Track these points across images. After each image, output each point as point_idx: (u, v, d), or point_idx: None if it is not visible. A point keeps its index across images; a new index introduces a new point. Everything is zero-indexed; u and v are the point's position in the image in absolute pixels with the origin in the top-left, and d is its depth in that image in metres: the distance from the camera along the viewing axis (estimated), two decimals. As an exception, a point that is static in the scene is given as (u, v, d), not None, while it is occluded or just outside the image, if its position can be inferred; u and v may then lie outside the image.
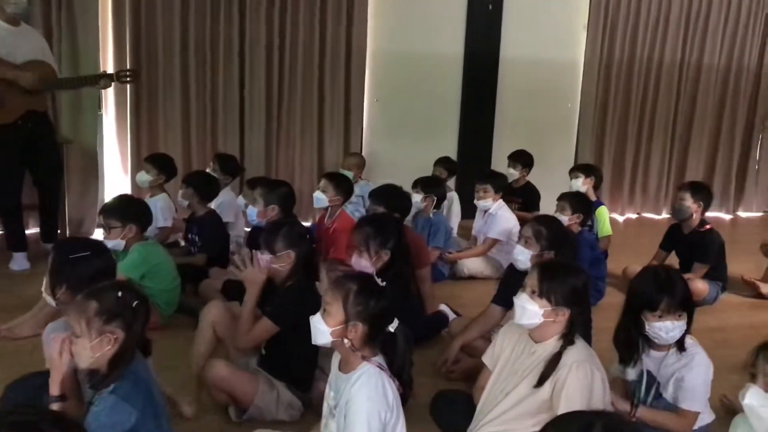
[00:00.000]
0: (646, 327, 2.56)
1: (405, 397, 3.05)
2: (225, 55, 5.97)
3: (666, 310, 2.51)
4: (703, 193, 4.78)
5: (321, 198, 4.55)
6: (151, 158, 5.14)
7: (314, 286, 2.97)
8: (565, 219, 4.55)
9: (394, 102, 6.70)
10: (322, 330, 2.22)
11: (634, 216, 7.62)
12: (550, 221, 3.47)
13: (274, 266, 2.92)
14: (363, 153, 6.51)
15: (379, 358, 2.22)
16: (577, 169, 5.70)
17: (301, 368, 2.95)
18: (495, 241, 5.07)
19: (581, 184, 5.44)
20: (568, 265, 2.60)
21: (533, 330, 2.44)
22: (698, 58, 7.43)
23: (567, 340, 2.38)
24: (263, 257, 2.91)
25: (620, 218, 7.51)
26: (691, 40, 7.36)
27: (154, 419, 2.12)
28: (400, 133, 6.69)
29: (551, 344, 2.41)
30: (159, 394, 2.23)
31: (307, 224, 6.02)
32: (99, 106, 5.70)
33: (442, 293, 4.54)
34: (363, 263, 3.14)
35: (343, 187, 4.57)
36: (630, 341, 2.67)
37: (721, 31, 7.43)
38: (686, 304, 2.56)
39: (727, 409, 3.06)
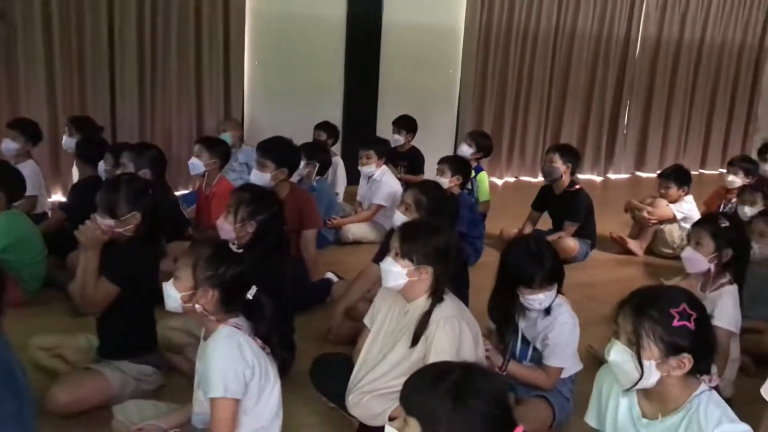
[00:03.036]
0: (521, 298, 2.66)
1: (288, 364, 3.08)
2: (91, 12, 5.59)
3: (539, 285, 2.61)
4: (570, 154, 5.00)
5: (197, 164, 4.39)
6: (15, 124, 4.76)
7: (157, 242, 2.84)
8: (445, 182, 4.64)
9: (276, 65, 6.56)
10: (172, 295, 2.19)
11: (512, 179, 7.89)
12: (431, 189, 3.48)
13: (119, 230, 2.75)
14: (245, 117, 6.34)
15: (239, 320, 2.20)
16: (470, 136, 5.80)
17: (139, 337, 2.81)
18: (379, 207, 5.11)
19: (466, 151, 5.55)
20: (428, 225, 2.64)
21: (403, 290, 2.48)
22: (572, 25, 7.72)
23: (435, 297, 2.43)
24: (105, 222, 2.71)
25: (499, 182, 7.76)
26: (566, 7, 7.63)
27: (16, 400, 1.98)
28: (283, 97, 6.57)
29: (421, 303, 2.46)
30: (21, 373, 2.09)
31: (186, 192, 5.86)
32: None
33: (328, 259, 4.54)
34: (226, 227, 3.04)
35: (219, 150, 4.42)
36: (505, 313, 2.76)
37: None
38: (557, 275, 2.66)
39: (593, 359, 3.25)
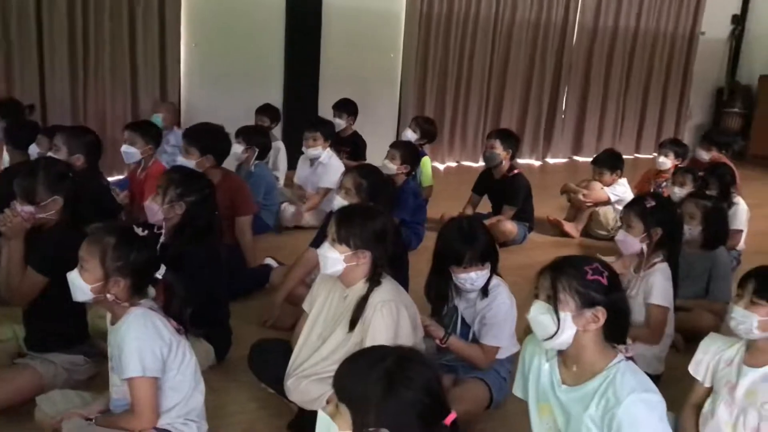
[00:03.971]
0: (454, 278, 2.68)
1: (224, 350, 3.04)
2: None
3: (470, 263, 2.62)
4: (510, 140, 5.06)
5: (131, 152, 4.24)
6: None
7: (84, 228, 2.75)
8: (393, 168, 4.63)
9: (214, 47, 6.41)
10: (80, 287, 2.14)
11: (454, 164, 7.94)
12: (371, 173, 3.47)
13: (40, 216, 2.64)
14: (181, 100, 6.19)
15: (148, 301, 2.18)
16: (414, 122, 5.79)
17: (68, 326, 2.72)
18: (327, 191, 5.01)
19: (410, 137, 5.54)
20: (365, 209, 2.64)
21: (342, 276, 2.47)
22: (511, 12, 7.77)
23: (373, 281, 2.44)
24: (25, 209, 2.60)
25: (441, 166, 7.79)
26: (505, -5, 7.69)
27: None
28: (222, 80, 6.42)
29: (359, 288, 2.46)
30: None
31: (120, 177, 5.69)
32: None
33: (267, 244, 4.49)
34: (154, 207, 2.97)
35: (151, 134, 4.29)
36: (440, 293, 2.78)
37: (531, -13, 7.84)
38: (489, 254, 2.69)
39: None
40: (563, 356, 1.99)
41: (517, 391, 2.17)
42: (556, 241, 5.32)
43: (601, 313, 1.86)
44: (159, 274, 2.18)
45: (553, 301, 1.89)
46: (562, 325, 1.87)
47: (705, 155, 5.78)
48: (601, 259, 2.03)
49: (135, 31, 5.93)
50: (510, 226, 4.94)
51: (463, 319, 2.79)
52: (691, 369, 2.35)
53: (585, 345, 1.90)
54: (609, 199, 5.26)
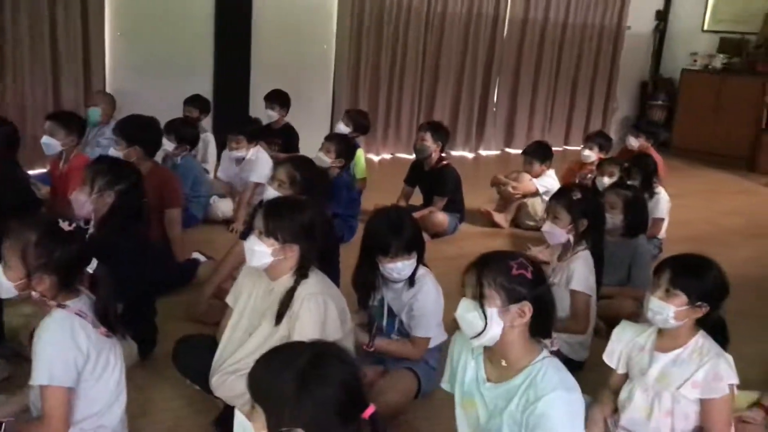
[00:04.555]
0: (381, 268, 2.69)
1: (149, 347, 2.97)
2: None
3: (396, 253, 2.63)
4: (441, 132, 5.11)
5: (51, 143, 4.08)
6: None
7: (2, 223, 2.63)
8: (327, 161, 4.60)
9: (141, 37, 6.23)
10: (4, 284, 2.05)
11: (388, 156, 7.96)
12: (305, 165, 3.43)
13: None
14: (108, 92, 5.98)
15: (78, 302, 2.08)
16: (347, 115, 5.76)
17: None
18: (257, 185, 4.93)
19: (343, 130, 5.51)
20: (293, 202, 2.61)
21: (268, 269, 2.43)
22: (443, 4, 7.82)
23: (300, 274, 2.41)
24: None
25: (375, 158, 7.80)
26: (437, -14, 7.73)
27: None
28: (150, 70, 6.24)
29: (286, 281, 2.43)
30: None
31: (43, 170, 5.47)
32: None
33: (196, 238, 4.41)
34: (82, 198, 2.89)
35: (74, 125, 4.15)
36: (367, 283, 2.79)
37: (462, -20, 7.90)
38: (415, 244, 2.69)
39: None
40: (489, 353, 1.98)
41: (445, 384, 2.17)
42: (486, 231, 5.39)
43: (527, 308, 1.86)
44: (90, 269, 2.09)
45: (479, 297, 1.87)
46: (489, 322, 1.86)
47: (634, 142, 5.94)
48: (525, 253, 2.07)
49: (56, 20, 5.71)
50: (441, 217, 4.99)
51: (389, 309, 2.80)
52: (605, 357, 2.43)
53: (511, 341, 1.90)
54: (537, 190, 5.37)
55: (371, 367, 2.74)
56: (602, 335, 3.40)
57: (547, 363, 1.88)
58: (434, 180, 5.07)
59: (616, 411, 2.37)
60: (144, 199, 3.01)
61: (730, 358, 2.21)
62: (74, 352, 1.99)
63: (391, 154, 7.98)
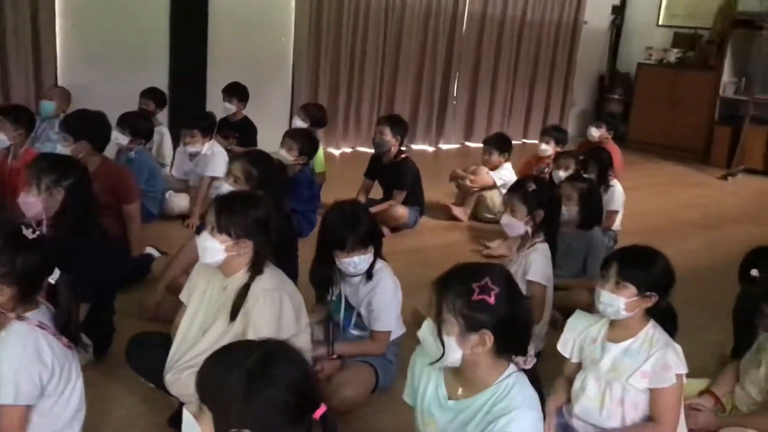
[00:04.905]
0: (338, 262, 2.67)
1: (104, 347, 2.91)
2: None
3: (352, 248, 2.62)
4: (399, 126, 5.11)
5: None
6: None
7: None
8: (289, 159, 4.58)
9: (93, 29, 6.09)
10: None
11: (349, 150, 7.94)
12: (261, 160, 3.39)
13: None
14: (58, 85, 5.83)
15: (38, 313, 2.00)
16: (303, 109, 5.69)
17: None
18: (214, 179, 4.86)
19: (300, 125, 5.47)
20: (246, 196, 2.58)
21: (222, 265, 2.40)
22: (402, 0, 7.81)
23: (255, 270, 2.38)
24: None
25: (336, 152, 7.77)
26: (396, -19, 7.72)
27: None
28: (104, 63, 6.11)
29: (240, 277, 2.39)
30: None
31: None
32: None
33: (151, 233, 4.33)
34: (30, 200, 2.81)
35: (23, 119, 4.05)
36: (323, 278, 2.77)
37: (421, -26, 7.90)
38: (372, 238, 2.68)
39: (417, 322, 3.34)
40: (453, 370, 1.86)
41: (406, 398, 2.06)
42: (446, 224, 5.42)
43: (488, 337, 1.72)
44: (52, 279, 2.00)
45: (437, 324, 1.76)
46: (447, 350, 1.75)
47: (595, 132, 5.98)
48: (497, 266, 1.88)
49: (4, 11, 5.55)
50: (401, 211, 5.00)
51: (347, 303, 2.79)
52: (559, 347, 2.45)
53: (474, 362, 1.77)
54: (495, 183, 5.41)
55: (329, 361, 2.73)
56: (558, 326, 3.45)
57: (513, 380, 1.78)
58: (393, 174, 5.07)
59: (569, 400, 2.39)
60: (92, 194, 2.93)
61: (678, 348, 2.24)
62: (39, 367, 1.90)
63: (352, 147, 7.96)
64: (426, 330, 1.81)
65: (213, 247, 2.34)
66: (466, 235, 5.20)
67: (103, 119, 4.00)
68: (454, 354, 1.76)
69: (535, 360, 1.81)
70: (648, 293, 2.22)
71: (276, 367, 1.40)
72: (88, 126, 3.85)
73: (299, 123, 5.50)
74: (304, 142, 4.68)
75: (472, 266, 1.84)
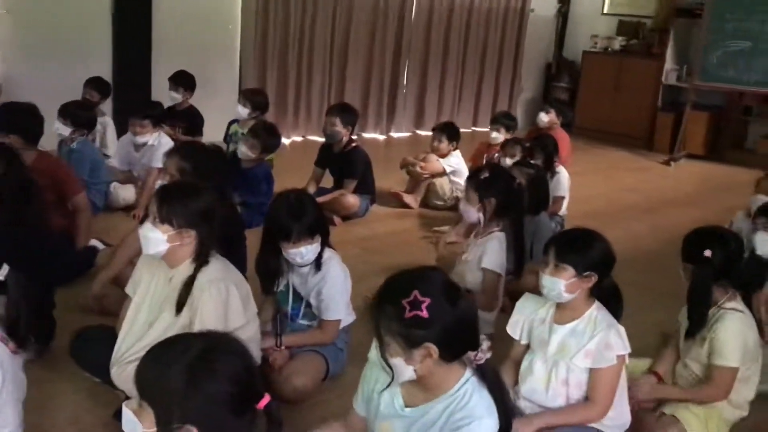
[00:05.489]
0: (285, 253, 2.66)
1: (46, 342, 2.84)
2: None
3: (298, 238, 2.60)
4: (350, 115, 5.09)
5: None
6: None
7: None
8: (252, 155, 4.60)
9: (30, 15, 5.88)
10: None
11: (299, 139, 7.88)
12: (195, 153, 3.30)
13: None
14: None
15: None
16: (242, 95, 5.57)
17: None
18: (161, 170, 4.78)
19: (242, 112, 5.38)
20: (188, 186, 2.53)
21: (166, 256, 2.37)
22: (351, -14, 7.79)
23: (200, 261, 2.35)
24: None
25: (287, 141, 7.69)
26: (344, -32, 7.67)
27: None
28: (42, 52, 5.91)
29: (185, 268, 2.37)
30: None
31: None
32: None
33: (96, 225, 4.23)
34: None
35: None
36: (270, 269, 2.75)
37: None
38: (318, 227, 2.67)
39: (368, 308, 3.36)
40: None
41: (357, 408, 2.02)
42: (397, 212, 5.44)
43: (432, 349, 1.68)
44: (2, 276, 1.94)
45: (380, 347, 1.74)
46: (396, 371, 1.73)
47: (545, 117, 5.99)
48: (427, 272, 1.81)
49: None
50: (352, 200, 4.99)
51: (296, 293, 2.78)
52: (509, 329, 2.49)
53: (429, 371, 1.73)
54: (444, 170, 5.45)
55: (278, 352, 2.72)
56: (507, 310, 3.51)
57: (471, 387, 1.76)
58: (344, 162, 5.06)
59: (517, 382, 2.44)
60: (29, 179, 2.84)
61: (621, 329, 2.29)
62: None
63: (302, 136, 7.90)
64: (373, 353, 1.81)
65: (155, 238, 2.31)
66: (416, 223, 5.23)
67: (35, 111, 3.84)
68: (405, 373, 1.72)
69: (489, 354, 1.77)
70: (586, 273, 2.27)
71: (217, 360, 1.39)
72: (18, 119, 3.72)
73: (241, 110, 5.39)
74: (267, 139, 4.68)
75: (401, 280, 1.76)
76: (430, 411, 1.79)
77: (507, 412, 1.79)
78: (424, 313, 1.66)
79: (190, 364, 1.36)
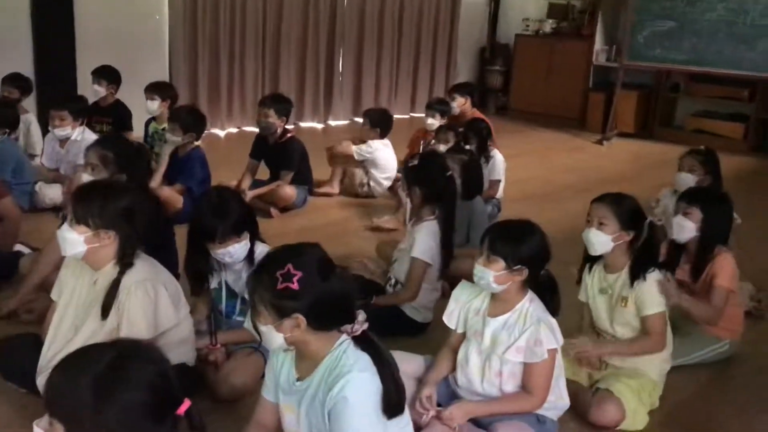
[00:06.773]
0: (213, 253, 2.61)
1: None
2: None
3: (224, 237, 2.56)
4: (283, 104, 5.02)
5: None
6: None
7: None
8: (177, 140, 4.50)
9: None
10: None
11: (234, 130, 7.75)
12: (117, 143, 3.22)
13: None
14: None
15: None
16: (149, 89, 5.30)
17: None
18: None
19: (156, 107, 5.22)
20: (106, 185, 2.48)
21: (87, 258, 2.29)
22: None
23: (123, 263, 2.28)
24: None
25: (221, 133, 7.58)
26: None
27: None
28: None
29: (109, 271, 2.29)
30: None
31: None
32: None
33: (22, 229, 4.04)
34: None
35: None
36: (199, 270, 2.71)
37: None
38: (245, 224, 2.62)
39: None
40: (297, 353, 1.91)
41: (268, 395, 2.01)
42: (336, 202, 5.41)
43: (300, 321, 1.75)
44: None
45: (252, 314, 1.82)
46: (266, 338, 1.80)
47: (454, 104, 5.95)
48: (308, 247, 1.86)
49: None
50: (289, 191, 4.94)
51: (230, 290, 2.73)
52: (444, 318, 2.50)
53: (303, 341, 1.81)
54: (353, 155, 5.40)
55: (216, 349, 2.66)
56: (446, 295, 3.52)
57: (345, 347, 1.82)
58: (279, 154, 4.99)
59: (455, 369, 2.45)
60: None
61: (553, 322, 2.31)
62: None
63: (237, 127, 7.79)
64: (247, 323, 1.84)
65: (72, 239, 2.23)
66: (355, 212, 5.20)
67: None
68: (275, 340, 1.80)
69: (366, 325, 1.82)
70: (517, 267, 2.26)
71: (129, 369, 1.35)
72: None
73: (150, 104, 5.20)
74: (188, 120, 4.57)
75: (280, 253, 1.85)
76: (314, 380, 1.84)
77: (396, 381, 1.82)
78: (295, 286, 1.74)
79: (98, 376, 1.32)
